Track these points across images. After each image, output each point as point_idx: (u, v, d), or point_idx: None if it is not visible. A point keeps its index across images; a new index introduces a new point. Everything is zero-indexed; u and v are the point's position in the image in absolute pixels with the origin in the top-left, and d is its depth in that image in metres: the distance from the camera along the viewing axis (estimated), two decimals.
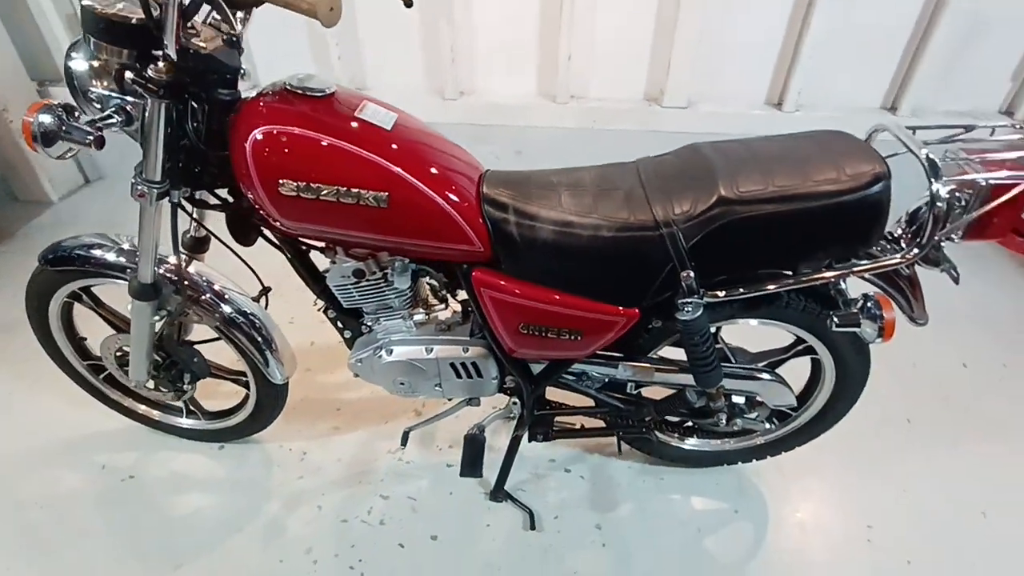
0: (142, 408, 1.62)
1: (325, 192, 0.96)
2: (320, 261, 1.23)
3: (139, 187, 1.03)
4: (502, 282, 1.08)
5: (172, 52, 0.88)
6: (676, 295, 1.03)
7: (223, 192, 1.14)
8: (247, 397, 1.53)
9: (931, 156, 0.96)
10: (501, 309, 1.10)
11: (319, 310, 1.30)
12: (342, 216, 0.99)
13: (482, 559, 1.40)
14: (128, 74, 0.91)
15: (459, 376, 1.26)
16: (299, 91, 0.99)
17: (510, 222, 1.04)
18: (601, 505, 1.52)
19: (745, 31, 2.38)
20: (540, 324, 1.10)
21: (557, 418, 1.41)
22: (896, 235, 1.07)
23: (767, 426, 1.34)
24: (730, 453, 1.52)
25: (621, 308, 1.08)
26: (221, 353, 1.46)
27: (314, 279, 1.25)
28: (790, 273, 1.05)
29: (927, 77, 2.40)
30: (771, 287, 1.02)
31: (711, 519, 1.49)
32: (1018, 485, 1.57)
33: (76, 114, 0.94)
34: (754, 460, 1.53)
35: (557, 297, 1.08)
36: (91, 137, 0.91)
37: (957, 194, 0.96)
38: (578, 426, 1.45)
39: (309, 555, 1.41)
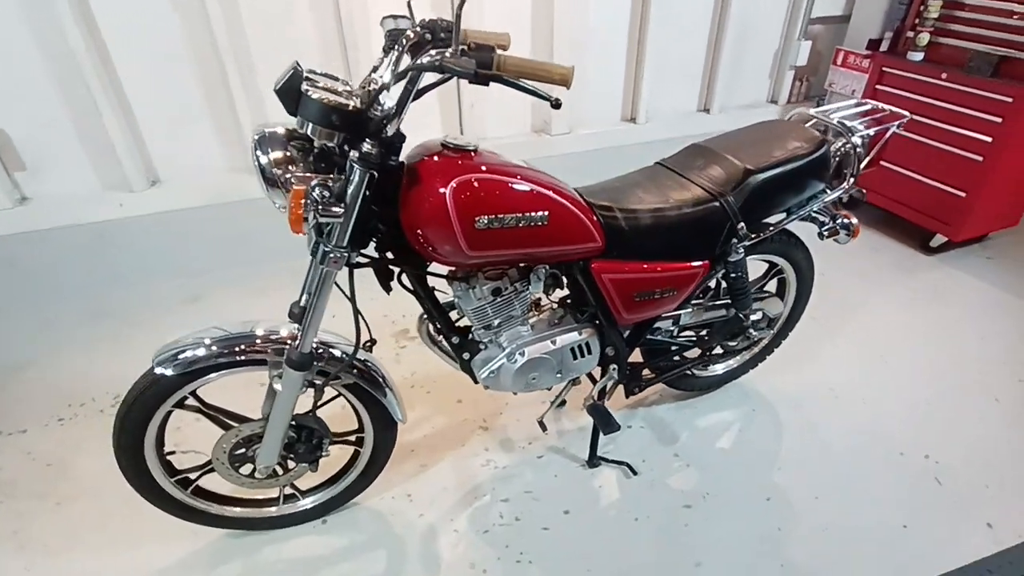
0: (236, 511, 1.54)
1: (507, 220, 1.19)
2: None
3: (333, 255, 1.13)
4: (618, 265, 1.40)
5: (391, 131, 1.05)
6: (729, 244, 1.47)
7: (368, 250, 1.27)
8: (355, 456, 1.58)
9: (843, 121, 1.55)
10: (619, 286, 1.42)
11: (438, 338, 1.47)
12: (516, 238, 1.22)
13: (614, 511, 1.67)
14: (354, 153, 1.04)
15: (575, 358, 1.53)
16: (453, 147, 1.20)
17: (618, 218, 1.37)
18: (667, 439, 1.88)
19: (600, 68, 3.01)
20: (649, 290, 1.45)
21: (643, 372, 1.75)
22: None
23: (770, 332, 1.85)
24: (736, 370, 2.01)
25: (699, 263, 1.48)
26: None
27: (440, 313, 1.42)
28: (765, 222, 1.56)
29: (721, 85, 3.29)
30: (783, 224, 1.52)
31: (740, 420, 1.96)
32: (887, 341, 2.35)
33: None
34: (751, 370, 2.04)
35: (658, 266, 1.44)
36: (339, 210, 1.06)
37: (857, 142, 1.56)
38: (652, 375, 1.80)
39: (475, 569, 1.52)
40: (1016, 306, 2.51)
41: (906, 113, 1.59)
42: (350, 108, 1.02)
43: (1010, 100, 2.41)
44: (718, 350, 1.87)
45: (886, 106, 1.65)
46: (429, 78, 1.07)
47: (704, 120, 3.36)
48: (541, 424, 1.77)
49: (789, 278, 1.84)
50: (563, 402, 1.99)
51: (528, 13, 2.76)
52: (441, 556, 1.55)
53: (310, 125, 1.03)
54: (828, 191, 1.58)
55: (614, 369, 1.63)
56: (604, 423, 1.60)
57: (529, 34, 2.81)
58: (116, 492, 1.68)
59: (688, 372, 1.85)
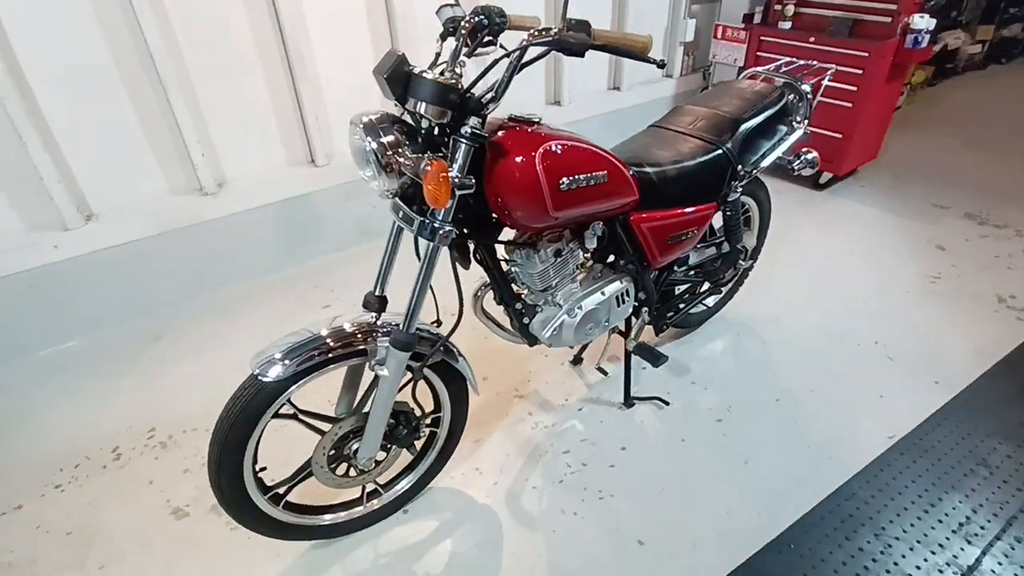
0: (327, 518, 1.51)
1: (581, 180, 1.32)
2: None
3: (442, 230, 1.18)
4: (651, 215, 1.59)
5: (492, 108, 1.13)
6: (731, 186, 1.72)
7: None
8: (431, 438, 1.62)
9: (787, 80, 1.86)
10: (655, 233, 1.61)
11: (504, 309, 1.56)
12: (586, 196, 1.35)
13: (662, 436, 1.86)
14: (465, 129, 1.11)
15: (618, 305, 1.69)
16: (525, 120, 1.30)
17: (648, 173, 1.56)
18: (680, 372, 2.12)
19: None
20: (677, 232, 1.65)
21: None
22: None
23: (752, 261, 2.15)
24: (722, 301, 2.30)
25: (709, 204, 1.71)
26: None
27: (506, 282, 1.51)
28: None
29: (627, 65, 3.62)
30: (764, 164, 1.80)
31: (731, 344, 2.25)
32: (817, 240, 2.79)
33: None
34: (728, 303, 2.35)
35: (681, 211, 1.64)
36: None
37: (806, 90, 1.88)
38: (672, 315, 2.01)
39: (565, 514, 1.64)
40: (890, 220, 3.09)
41: (832, 66, 1.95)
42: (461, 87, 1.09)
43: (866, 55, 2.96)
44: (706, 285, 2.14)
45: (813, 62, 2.00)
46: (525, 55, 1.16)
47: (617, 97, 3.68)
48: (601, 370, 1.97)
49: (754, 214, 2.15)
50: (580, 359, 2.15)
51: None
52: (530, 512, 1.64)
53: (423, 105, 1.09)
54: (791, 133, 1.89)
55: (646, 311, 1.82)
56: (653, 358, 1.78)
57: None
58: (166, 539, 1.58)
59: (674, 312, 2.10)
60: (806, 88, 1.84)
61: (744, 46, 3.50)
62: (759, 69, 1.97)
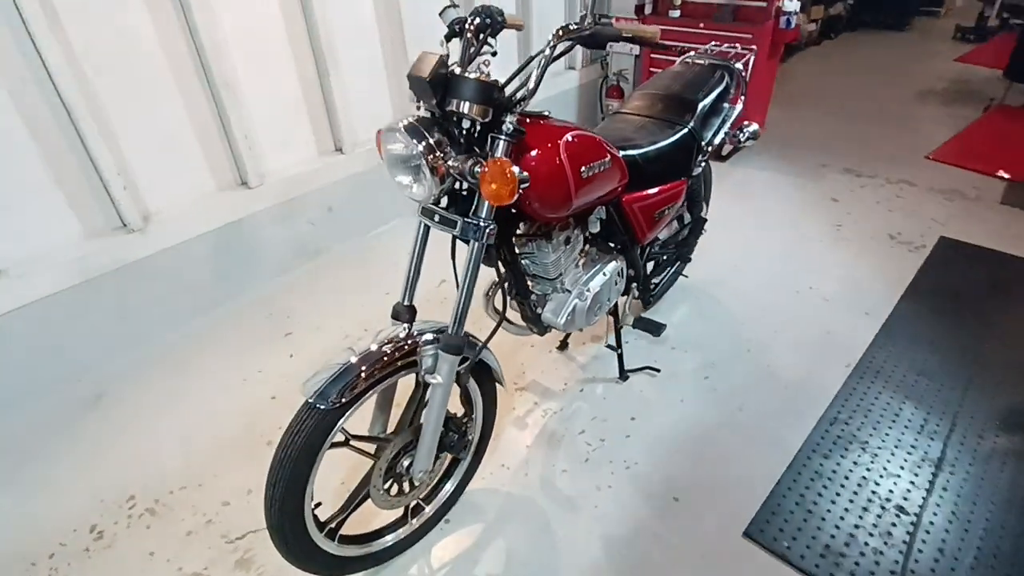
0: (376, 544, 1.45)
1: (595, 167, 1.38)
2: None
3: (488, 227, 1.19)
4: (639, 195, 1.69)
5: (526, 105, 1.16)
6: (696, 161, 1.88)
7: None
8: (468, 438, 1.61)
9: (721, 62, 2.06)
10: (643, 210, 1.71)
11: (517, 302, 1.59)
12: (597, 182, 1.41)
13: (662, 401, 1.98)
14: (507, 126, 1.12)
15: (615, 284, 1.78)
16: (535, 115, 1.34)
17: (634, 156, 1.65)
18: (659, 342, 2.25)
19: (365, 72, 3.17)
20: (660, 208, 1.76)
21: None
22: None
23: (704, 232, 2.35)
24: (675, 274, 2.48)
25: (681, 181, 1.85)
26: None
27: (521, 276, 1.55)
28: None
29: None
30: (717, 140, 1.97)
31: (694, 308, 2.44)
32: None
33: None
34: (687, 272, 2.53)
35: (661, 189, 1.76)
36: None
37: (739, 68, 2.09)
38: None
39: (600, 489, 1.70)
40: (789, 181, 3.50)
41: (753, 47, 2.18)
42: (500, 84, 1.11)
43: (750, 36, 3.31)
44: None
45: (737, 46, 2.23)
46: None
47: None
48: (611, 347, 2.05)
49: (697, 186, 2.34)
50: (566, 344, 2.23)
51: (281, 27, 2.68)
52: (566, 493, 1.69)
53: (466, 104, 1.09)
54: (733, 110, 2.09)
55: (635, 287, 1.93)
56: (654, 328, 1.91)
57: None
58: None
59: (656, 284, 2.25)
60: (739, 67, 2.05)
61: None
62: (692, 55, 2.15)
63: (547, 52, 1.18)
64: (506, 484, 1.73)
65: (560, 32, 1.15)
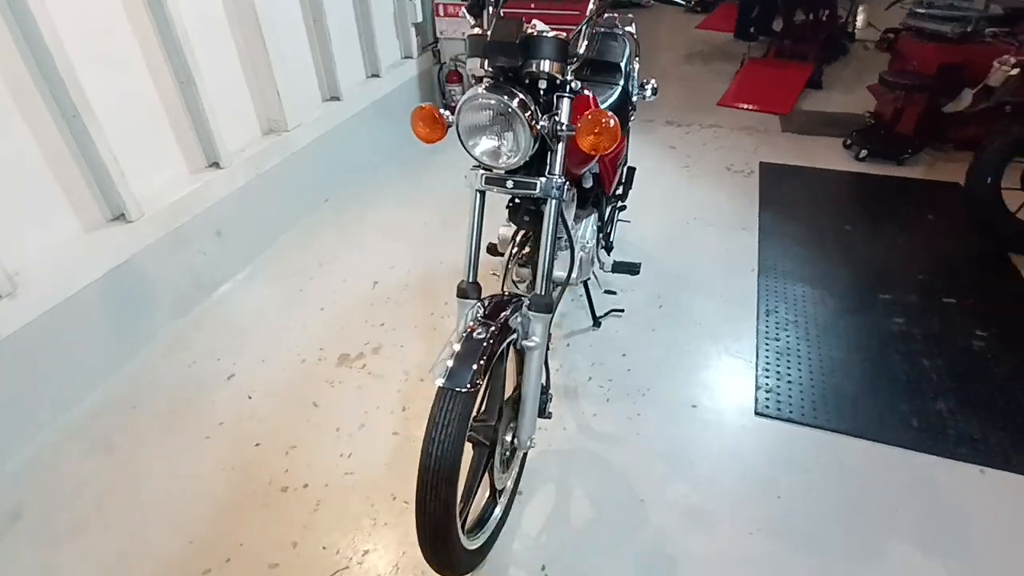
0: (484, 532, 1.42)
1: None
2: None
3: (567, 184, 1.24)
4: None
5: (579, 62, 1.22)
6: (629, 116, 2.10)
7: None
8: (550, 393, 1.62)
9: (615, 29, 2.31)
10: (611, 163, 1.88)
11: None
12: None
13: (638, 335, 2.21)
14: (575, 83, 1.17)
15: (596, 234, 1.94)
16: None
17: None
18: (616, 288, 2.48)
19: (296, 55, 2.95)
20: (618, 160, 1.96)
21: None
22: None
23: None
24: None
25: (623, 135, 2.06)
26: None
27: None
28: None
29: (380, 52, 3.65)
30: (635, 96, 2.22)
31: (622, 250, 2.71)
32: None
33: None
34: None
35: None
36: None
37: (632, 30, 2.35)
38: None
39: (632, 419, 1.87)
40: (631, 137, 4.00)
41: (631, 15, 2.47)
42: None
43: (576, 13, 3.68)
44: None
45: (629, 13, 2.49)
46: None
47: (379, 84, 3.69)
48: (610, 291, 2.28)
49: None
50: None
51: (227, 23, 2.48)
52: (608, 433, 1.82)
53: (547, 63, 1.13)
54: (635, 70, 2.35)
55: (603, 236, 2.10)
56: (629, 268, 2.10)
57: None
58: None
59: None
60: (631, 30, 2.32)
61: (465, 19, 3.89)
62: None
63: (592, 13, 1.25)
64: (552, 443, 1.79)
65: None
